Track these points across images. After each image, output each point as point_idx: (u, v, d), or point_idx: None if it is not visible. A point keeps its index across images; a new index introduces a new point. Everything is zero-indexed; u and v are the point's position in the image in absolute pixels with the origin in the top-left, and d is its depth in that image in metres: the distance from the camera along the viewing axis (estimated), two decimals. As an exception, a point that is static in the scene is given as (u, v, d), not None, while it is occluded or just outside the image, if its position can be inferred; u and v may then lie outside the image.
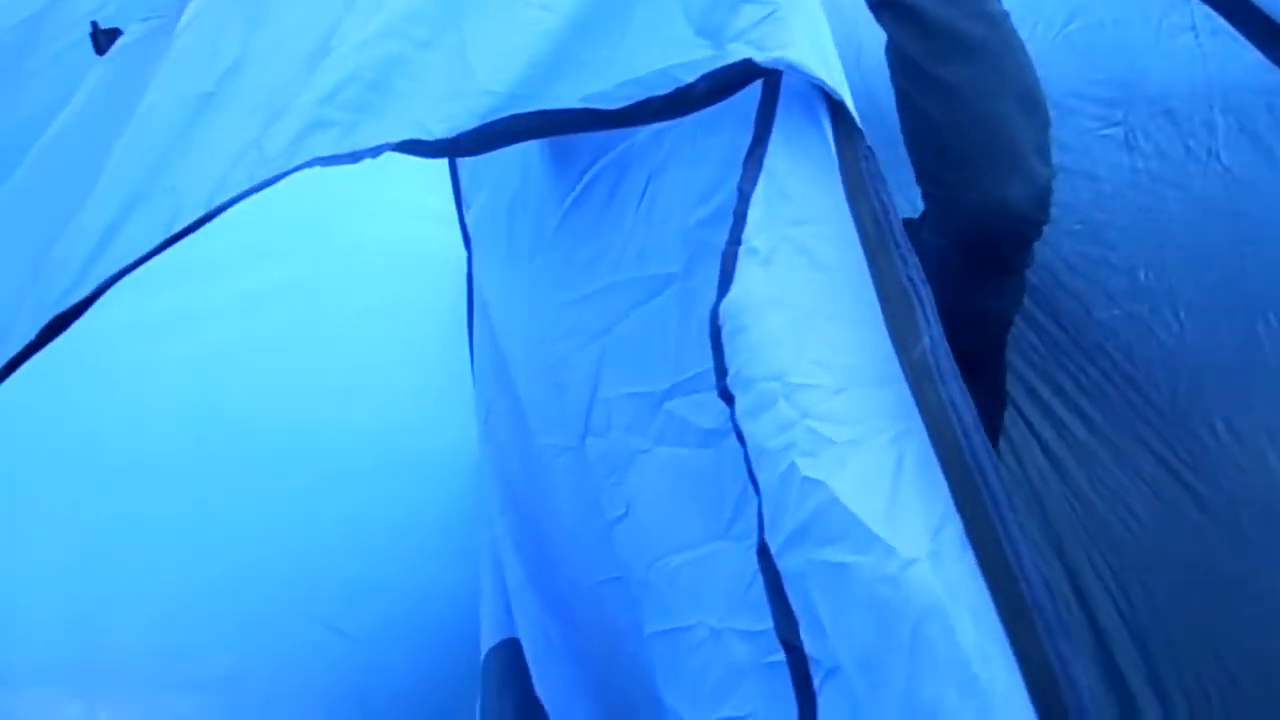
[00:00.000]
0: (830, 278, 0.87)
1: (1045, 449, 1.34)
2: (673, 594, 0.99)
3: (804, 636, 0.84)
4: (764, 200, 0.91)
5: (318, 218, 1.66)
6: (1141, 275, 1.28)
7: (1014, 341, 1.25)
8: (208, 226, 1.04)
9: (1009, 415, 1.31)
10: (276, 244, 1.66)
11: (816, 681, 0.83)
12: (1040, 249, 1.17)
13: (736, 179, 0.92)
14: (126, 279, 0.95)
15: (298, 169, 0.88)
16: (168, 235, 0.86)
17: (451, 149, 0.95)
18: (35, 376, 1.58)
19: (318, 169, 0.87)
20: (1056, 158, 1.19)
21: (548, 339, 1.21)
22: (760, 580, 0.87)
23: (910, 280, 0.82)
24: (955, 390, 0.78)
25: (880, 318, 0.82)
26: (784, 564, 0.85)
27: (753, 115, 0.92)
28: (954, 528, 0.75)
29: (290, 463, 1.71)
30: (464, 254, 1.61)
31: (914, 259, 0.83)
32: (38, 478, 1.63)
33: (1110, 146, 1.26)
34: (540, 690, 1.38)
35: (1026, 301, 1.21)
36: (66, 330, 0.87)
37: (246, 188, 0.87)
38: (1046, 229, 1.13)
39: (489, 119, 0.91)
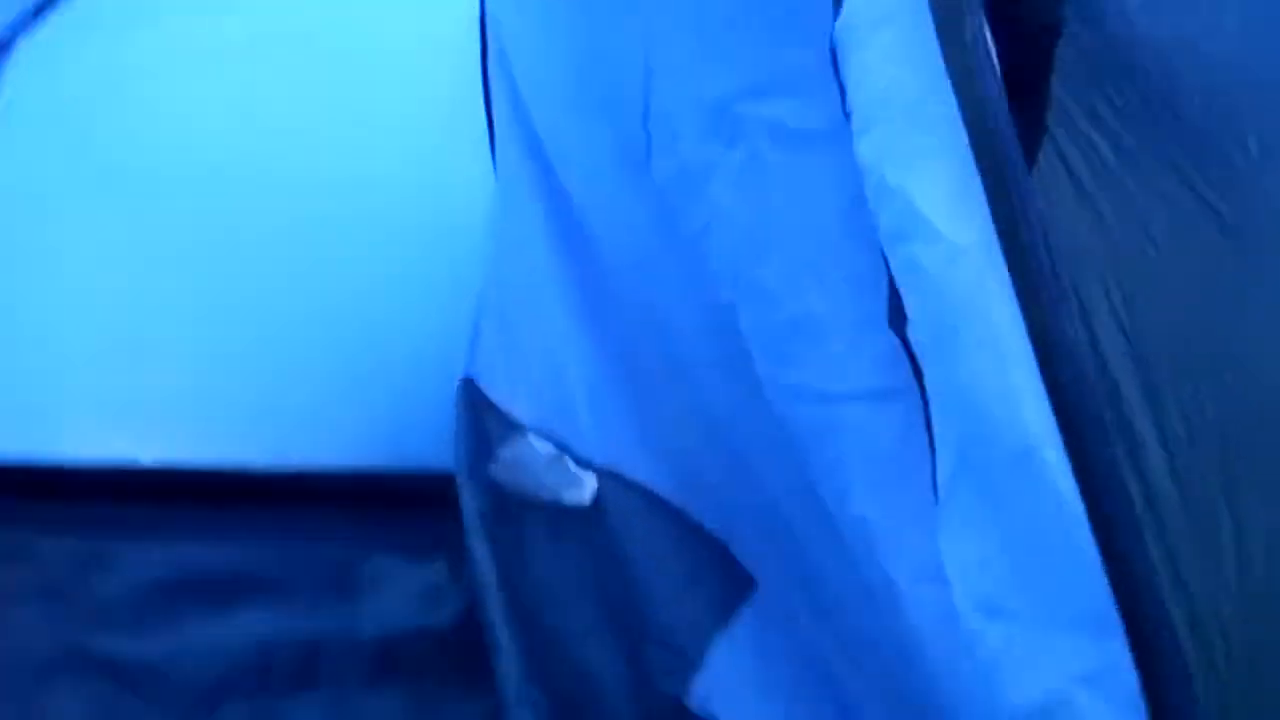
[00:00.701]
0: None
1: (1071, 173, 1.36)
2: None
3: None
4: None
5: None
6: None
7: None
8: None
9: (1038, 138, 1.31)
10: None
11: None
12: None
13: None
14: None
15: None
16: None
17: None
18: (66, 123, 1.63)
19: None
20: None
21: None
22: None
23: None
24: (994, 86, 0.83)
25: None
26: (894, 263, 0.90)
27: None
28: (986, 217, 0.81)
29: (315, 210, 1.76)
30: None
31: None
32: (71, 210, 1.65)
33: None
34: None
35: (1070, 16, 1.20)
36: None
37: None
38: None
39: None
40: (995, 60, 0.86)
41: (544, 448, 1.44)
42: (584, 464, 1.39)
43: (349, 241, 1.75)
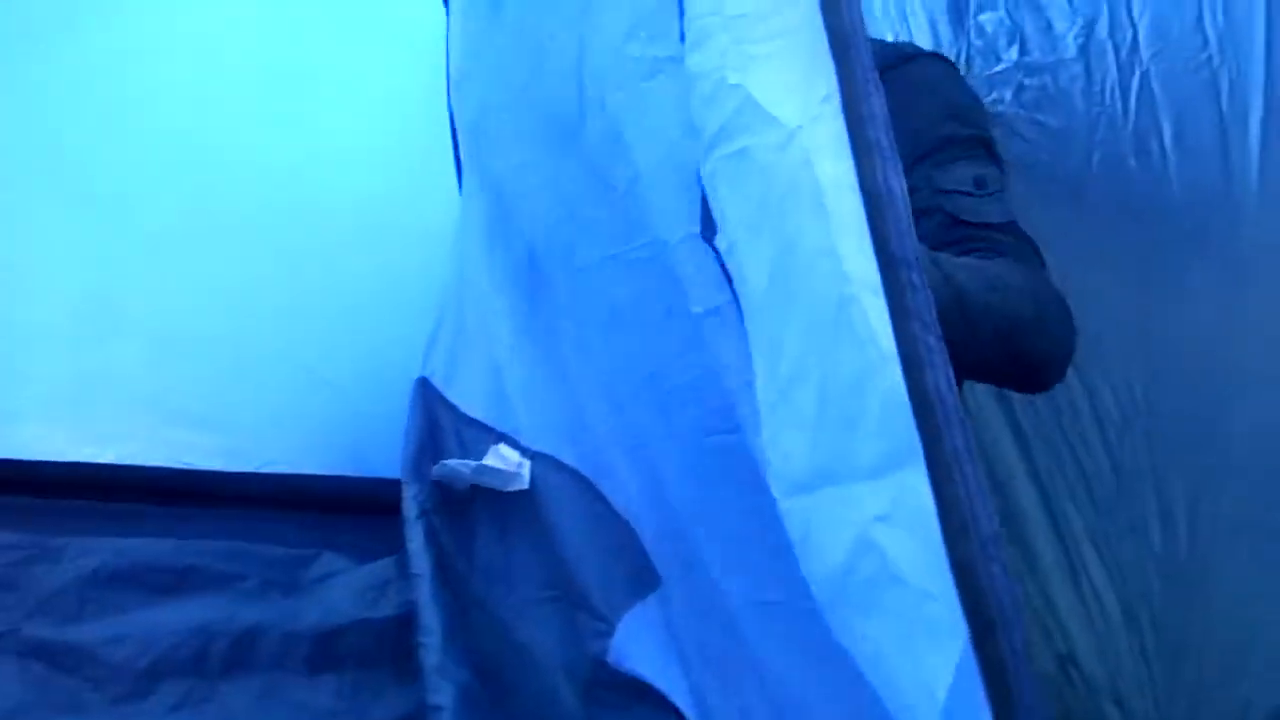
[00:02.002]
0: None
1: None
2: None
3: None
4: None
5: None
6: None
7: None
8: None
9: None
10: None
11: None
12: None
13: None
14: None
15: None
16: None
17: None
18: (38, 106, 1.66)
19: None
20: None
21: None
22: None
23: None
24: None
25: None
26: (706, 169, 0.95)
27: None
28: (834, 101, 0.84)
29: (280, 216, 1.78)
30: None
31: None
32: (33, 211, 1.71)
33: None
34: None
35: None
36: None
37: None
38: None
39: None
40: None
41: (488, 440, 1.48)
42: (523, 450, 1.43)
43: (312, 248, 1.78)
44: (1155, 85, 1.28)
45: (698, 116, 0.94)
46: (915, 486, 0.78)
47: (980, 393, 1.49)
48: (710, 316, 0.99)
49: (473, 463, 1.45)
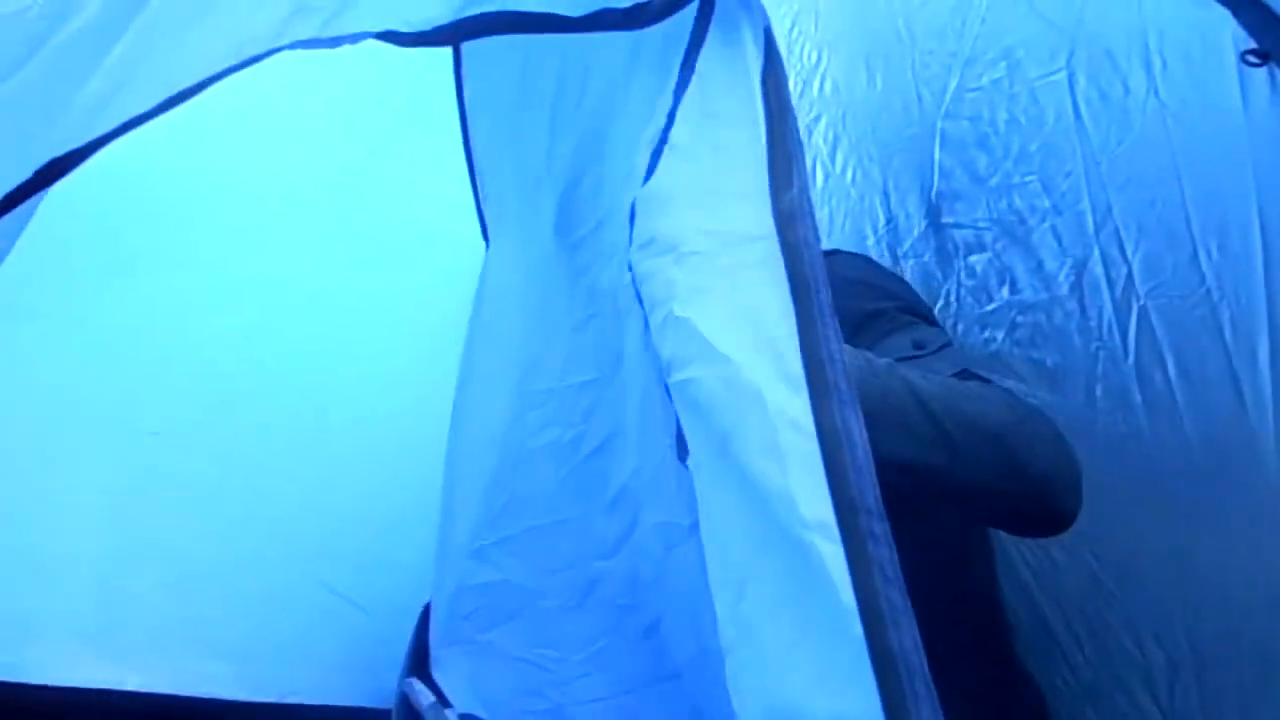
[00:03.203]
0: (732, 158, 0.96)
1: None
2: None
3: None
4: (691, 99, 1.01)
5: (341, 204, 1.77)
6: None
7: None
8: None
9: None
10: (302, 229, 1.79)
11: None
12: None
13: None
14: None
15: (281, 49, 1.00)
16: (160, 102, 0.98)
17: (426, 39, 1.06)
18: (74, 345, 1.73)
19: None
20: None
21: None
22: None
23: (795, 142, 0.91)
24: (811, 231, 0.90)
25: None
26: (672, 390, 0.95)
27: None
28: (788, 336, 0.86)
29: (311, 439, 1.83)
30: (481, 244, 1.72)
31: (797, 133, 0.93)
32: (70, 441, 1.77)
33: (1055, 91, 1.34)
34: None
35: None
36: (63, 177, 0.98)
37: (233, 63, 0.99)
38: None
39: (463, 14, 1.03)
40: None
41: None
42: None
43: (338, 471, 1.81)
44: (1154, 320, 1.26)
45: (656, 339, 0.95)
46: None
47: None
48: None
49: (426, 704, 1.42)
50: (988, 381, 1.27)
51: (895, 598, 0.78)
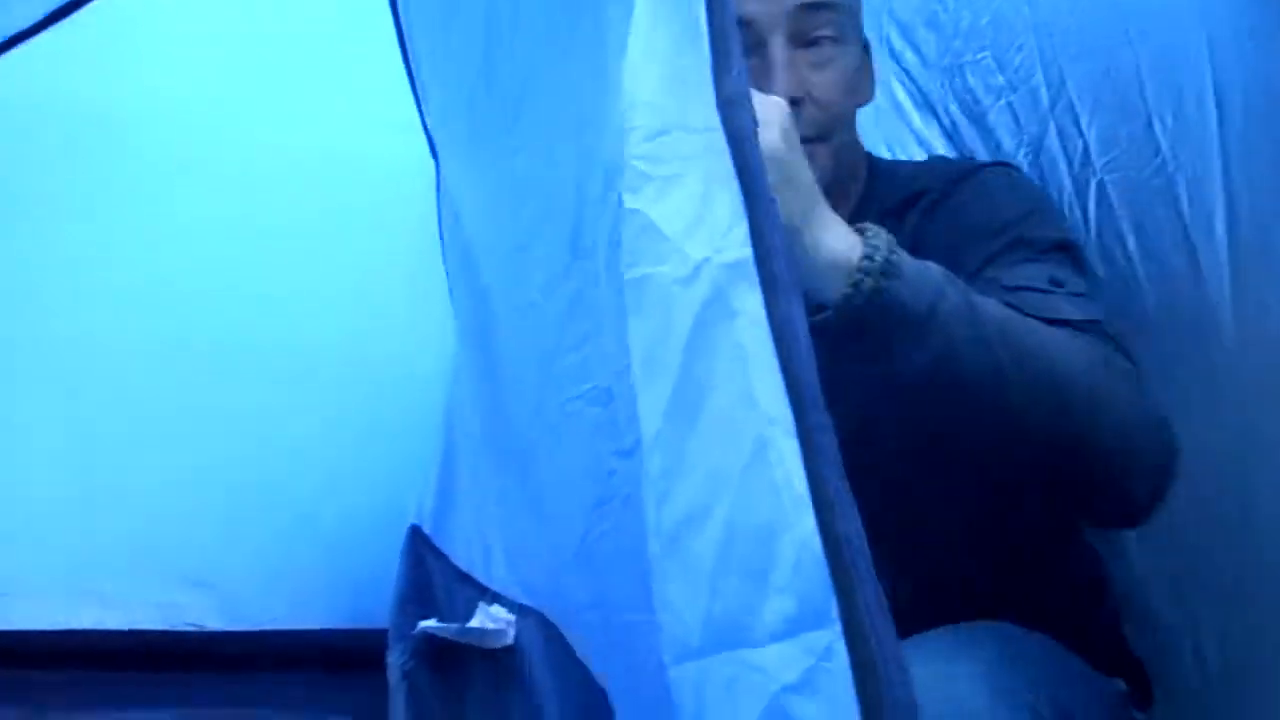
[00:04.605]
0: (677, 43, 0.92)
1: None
2: None
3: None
4: None
5: (288, 135, 1.73)
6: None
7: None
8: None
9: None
10: (250, 162, 1.74)
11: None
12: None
13: None
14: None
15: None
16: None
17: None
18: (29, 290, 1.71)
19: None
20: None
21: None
22: None
23: (732, 24, 0.87)
24: (751, 117, 0.85)
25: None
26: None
27: None
28: (740, 228, 0.82)
29: (268, 366, 1.81)
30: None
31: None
32: (26, 389, 1.77)
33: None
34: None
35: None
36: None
37: None
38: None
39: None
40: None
41: (478, 598, 1.46)
42: (505, 603, 1.40)
43: (305, 394, 1.80)
44: (1112, 194, 1.23)
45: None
46: (833, 649, 0.73)
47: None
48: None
49: (455, 626, 1.41)
50: (1112, 340, 1.12)
51: (840, 485, 0.77)
